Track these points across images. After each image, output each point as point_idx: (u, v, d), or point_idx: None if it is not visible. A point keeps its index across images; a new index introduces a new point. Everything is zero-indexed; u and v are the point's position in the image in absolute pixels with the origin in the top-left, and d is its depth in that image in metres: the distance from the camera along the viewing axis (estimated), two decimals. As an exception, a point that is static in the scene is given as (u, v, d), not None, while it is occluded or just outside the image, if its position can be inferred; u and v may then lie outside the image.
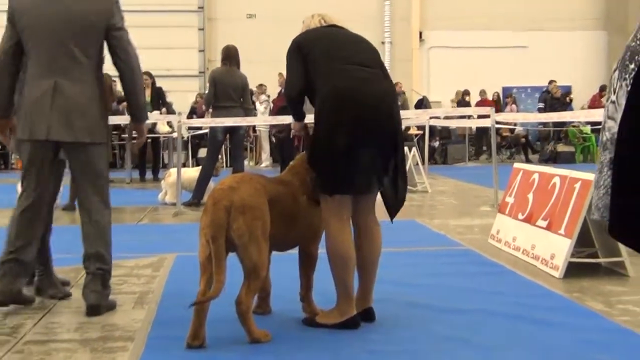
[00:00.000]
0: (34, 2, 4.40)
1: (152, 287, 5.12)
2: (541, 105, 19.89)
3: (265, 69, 17.65)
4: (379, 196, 4.15)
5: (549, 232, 5.57)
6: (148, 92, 14.29)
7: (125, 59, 4.44)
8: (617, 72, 2.03)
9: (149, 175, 14.54)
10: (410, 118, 15.40)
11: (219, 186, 3.81)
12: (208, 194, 4.04)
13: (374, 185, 4.04)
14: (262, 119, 15.11)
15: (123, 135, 15.45)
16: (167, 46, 21.30)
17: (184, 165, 14.13)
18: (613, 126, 2.00)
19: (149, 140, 14.59)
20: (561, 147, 19.41)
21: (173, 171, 10.14)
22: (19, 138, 4.44)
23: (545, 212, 5.75)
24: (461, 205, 10.13)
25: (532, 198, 6.09)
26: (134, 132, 13.84)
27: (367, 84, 3.96)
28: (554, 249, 5.41)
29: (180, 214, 9.03)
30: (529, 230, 5.92)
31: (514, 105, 20.99)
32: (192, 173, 10.39)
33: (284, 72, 4.24)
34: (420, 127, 16.93)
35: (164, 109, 14.36)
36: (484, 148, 20.18)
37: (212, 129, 10.06)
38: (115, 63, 4.48)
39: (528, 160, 18.48)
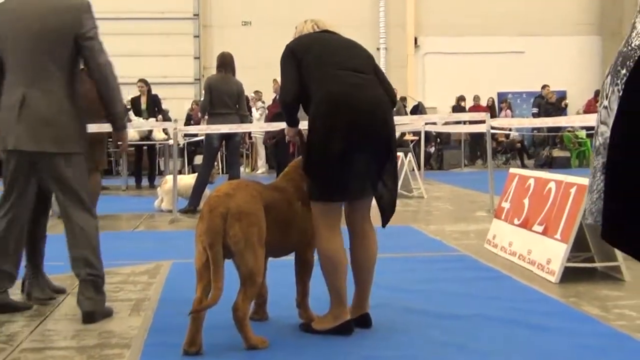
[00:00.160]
0: (8, 14, 4.43)
1: (149, 294, 5.11)
2: (535, 110, 19.93)
3: (261, 76, 17.69)
4: (373, 202, 4.15)
5: (545, 237, 5.58)
6: (144, 100, 14.32)
7: (96, 68, 4.44)
8: (609, 78, 2.05)
9: (145, 182, 14.55)
10: (406, 124, 15.42)
11: (215, 193, 3.82)
12: (204, 201, 4.04)
13: (367, 191, 4.04)
14: (258, 126, 15.12)
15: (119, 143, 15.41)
16: (162, 53, 21.34)
17: (180, 172, 14.14)
18: (606, 131, 2.01)
19: (145, 147, 14.62)
20: (557, 152, 19.45)
21: (169, 178, 10.13)
22: None
23: (541, 217, 5.76)
24: (457, 210, 10.14)
25: (528, 203, 6.10)
26: (128, 139, 13.85)
27: (362, 90, 3.96)
28: (550, 253, 5.42)
29: (176, 221, 9.03)
30: (525, 235, 5.93)
31: (508, 111, 21.04)
32: (188, 180, 10.39)
33: (279, 79, 4.24)
34: (416, 133, 16.95)
35: (159, 116, 14.37)
36: (478, 153, 20.21)
37: (207, 136, 10.07)
38: (88, 73, 4.49)
39: (524, 166, 18.51)
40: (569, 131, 19.19)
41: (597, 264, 5.46)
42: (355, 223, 4.12)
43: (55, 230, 8.35)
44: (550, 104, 20.00)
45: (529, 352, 3.68)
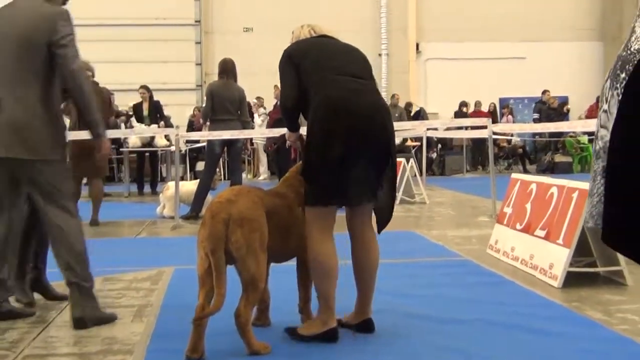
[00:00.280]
0: None
1: (151, 300, 5.11)
2: (536, 115, 19.92)
3: (263, 82, 17.70)
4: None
5: (547, 242, 5.58)
6: (146, 106, 14.34)
7: (69, 75, 4.41)
8: (608, 82, 2.05)
9: (147, 189, 14.56)
10: (408, 129, 15.44)
11: (217, 199, 3.82)
12: (206, 207, 4.04)
13: (365, 197, 4.02)
14: (260, 132, 15.14)
15: (121, 149, 15.47)
16: (164, 60, 21.38)
17: (182, 178, 14.16)
18: (605, 135, 2.02)
19: (147, 154, 14.64)
20: (559, 158, 19.44)
21: (171, 184, 10.15)
22: None
23: (543, 221, 5.76)
24: (459, 216, 10.13)
25: (530, 208, 6.10)
26: (130, 145, 13.83)
27: (361, 95, 3.95)
28: (552, 258, 5.41)
29: (178, 227, 9.03)
30: (527, 240, 5.93)
31: (510, 116, 21.04)
32: (190, 186, 10.40)
33: (280, 85, 4.24)
34: (418, 139, 16.96)
35: (161, 123, 14.39)
36: (479, 159, 20.20)
37: (209, 142, 10.08)
38: (62, 81, 4.48)
39: (526, 171, 18.50)
40: (570, 136, 19.18)
41: (599, 269, 5.45)
42: (356, 228, 4.12)
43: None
44: (552, 109, 19.99)
45: (532, 357, 3.68)
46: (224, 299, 3.59)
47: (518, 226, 6.19)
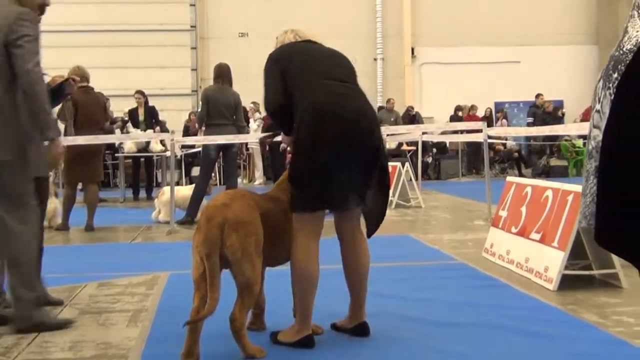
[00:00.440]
0: None
1: (146, 304, 5.10)
2: (530, 119, 19.93)
3: (258, 87, 17.44)
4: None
5: (543, 245, 5.58)
6: (141, 111, 14.34)
7: (22, 74, 4.37)
8: (601, 82, 2.06)
9: (142, 194, 14.54)
10: (403, 133, 15.46)
11: (212, 203, 3.82)
12: (201, 212, 4.04)
13: (352, 201, 3.98)
14: (255, 137, 15.11)
15: (116, 155, 15.46)
16: (159, 65, 21.37)
17: (178, 183, 14.14)
18: (598, 135, 2.02)
19: (142, 159, 14.63)
20: (554, 161, 19.47)
21: (166, 189, 10.14)
22: None
23: (538, 225, 5.76)
24: (455, 219, 10.14)
25: (525, 211, 6.10)
26: (126, 151, 13.81)
27: (347, 99, 3.94)
28: (547, 261, 5.42)
29: (173, 232, 9.02)
30: (523, 243, 5.93)
31: (504, 120, 21.06)
32: (185, 191, 10.39)
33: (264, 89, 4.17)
34: (413, 143, 16.97)
35: (157, 128, 14.38)
36: (475, 163, 20.21)
37: (205, 147, 10.07)
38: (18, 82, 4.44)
39: (521, 175, 18.50)
40: (566, 140, 19.22)
41: (594, 272, 5.46)
42: (345, 232, 4.10)
43: (52, 242, 8.36)
44: (547, 113, 20.02)
45: (528, 360, 3.68)
46: (217, 302, 3.59)
47: (513, 229, 6.20)
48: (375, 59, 22.54)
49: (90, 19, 20.89)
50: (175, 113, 19.91)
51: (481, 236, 7.62)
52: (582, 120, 18.78)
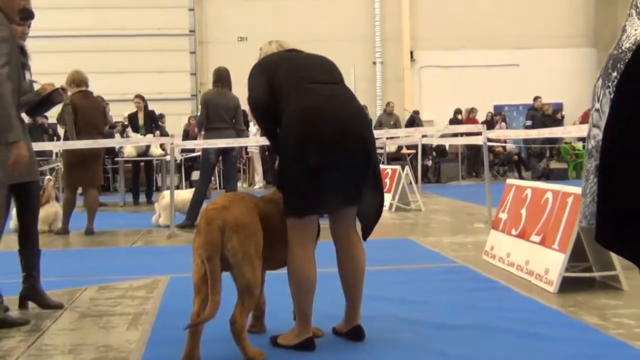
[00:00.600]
0: None
1: (146, 308, 5.10)
2: (529, 122, 19.92)
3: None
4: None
5: (543, 247, 5.58)
6: (141, 116, 14.33)
7: None
8: (600, 81, 2.05)
9: (142, 198, 14.53)
10: (402, 137, 15.47)
11: (212, 206, 3.81)
12: (201, 215, 4.03)
13: (344, 203, 3.97)
14: (254, 140, 15.13)
15: (116, 159, 15.45)
16: (159, 70, 21.39)
17: (177, 187, 14.13)
18: (598, 134, 2.02)
19: (142, 163, 14.63)
20: (554, 164, 19.47)
21: (166, 193, 10.13)
22: None
23: (538, 227, 5.76)
24: (455, 222, 10.14)
25: (525, 213, 6.10)
26: (126, 155, 13.80)
27: (335, 102, 3.92)
28: (548, 263, 5.41)
29: (173, 236, 9.02)
30: (523, 246, 5.93)
31: (503, 124, 21.05)
32: (185, 195, 10.39)
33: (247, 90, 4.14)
34: (413, 146, 16.97)
35: (157, 132, 14.39)
36: (474, 166, 20.21)
37: (204, 150, 10.07)
38: None
39: (521, 178, 18.50)
40: (565, 143, 19.22)
41: (595, 274, 5.46)
42: (340, 235, 4.09)
43: (52, 246, 8.36)
44: (546, 115, 20.01)
45: (528, 362, 3.68)
46: (218, 305, 3.58)
47: (513, 232, 6.19)
48: (374, 63, 22.56)
49: (90, 24, 20.91)
50: (175, 117, 19.92)
51: (481, 239, 7.61)
52: (582, 123, 18.80)
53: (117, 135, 14.92)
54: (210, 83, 10.47)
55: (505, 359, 3.73)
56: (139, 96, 14.46)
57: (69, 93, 9.57)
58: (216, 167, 11.65)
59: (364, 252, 4.12)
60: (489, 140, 10.53)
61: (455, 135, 16.95)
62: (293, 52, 4.26)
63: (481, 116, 20.65)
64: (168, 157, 11.52)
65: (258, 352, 3.75)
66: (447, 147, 19.92)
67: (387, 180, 11.84)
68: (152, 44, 21.53)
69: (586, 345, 3.91)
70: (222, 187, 14.53)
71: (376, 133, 10.32)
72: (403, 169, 11.81)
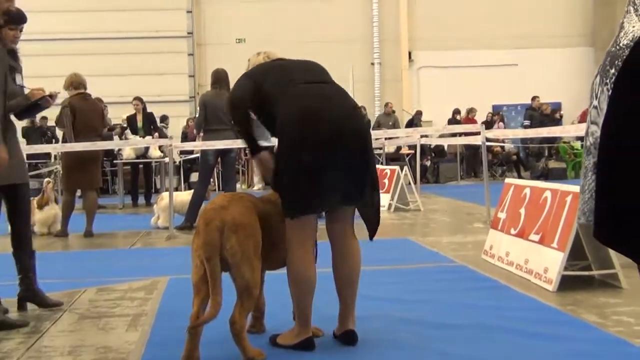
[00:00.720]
0: None
1: (146, 309, 5.10)
2: (527, 122, 19.92)
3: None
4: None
5: (542, 246, 5.58)
6: (140, 118, 14.33)
7: None
8: (598, 77, 2.06)
9: (141, 200, 14.53)
10: (401, 137, 15.47)
11: (210, 206, 3.81)
12: (200, 215, 4.03)
13: (343, 202, 3.95)
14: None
15: (115, 161, 15.45)
16: (157, 72, 21.40)
17: (176, 189, 14.13)
18: (596, 131, 2.02)
19: (141, 165, 14.62)
20: (552, 164, 19.47)
21: (165, 195, 10.13)
22: None
23: (537, 226, 5.76)
24: (454, 222, 10.14)
25: (524, 213, 6.10)
26: (124, 157, 13.80)
27: (331, 101, 3.92)
28: (547, 262, 5.42)
29: (172, 238, 9.02)
30: (522, 245, 5.93)
31: (501, 123, 21.05)
32: (184, 197, 10.38)
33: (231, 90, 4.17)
34: (412, 147, 16.97)
35: (156, 134, 14.38)
36: (473, 166, 20.21)
37: (203, 152, 10.07)
38: None
39: (520, 177, 18.50)
40: (564, 142, 19.22)
41: (594, 272, 5.46)
42: (336, 236, 4.07)
43: (51, 248, 8.36)
44: (545, 115, 20.02)
45: (528, 360, 3.68)
46: (220, 306, 3.58)
47: (512, 231, 6.19)
48: (372, 64, 22.58)
49: (88, 26, 20.91)
50: (173, 119, 19.92)
51: (480, 238, 7.61)
52: (580, 122, 18.80)
53: (116, 137, 14.91)
54: (209, 85, 10.48)
55: (504, 358, 3.73)
56: (137, 98, 14.46)
57: (67, 95, 9.59)
58: (215, 169, 11.65)
59: (359, 252, 4.10)
60: (488, 140, 10.54)
61: (453, 135, 16.94)
62: (280, 60, 4.28)
63: (481, 116, 20.66)
64: (167, 159, 11.52)
65: (258, 352, 3.75)
66: (445, 147, 19.91)
67: (386, 181, 11.85)
68: (150, 46, 21.55)
69: (586, 344, 3.91)
70: (220, 188, 14.51)
71: (375, 133, 10.34)
72: (402, 169, 11.81)
